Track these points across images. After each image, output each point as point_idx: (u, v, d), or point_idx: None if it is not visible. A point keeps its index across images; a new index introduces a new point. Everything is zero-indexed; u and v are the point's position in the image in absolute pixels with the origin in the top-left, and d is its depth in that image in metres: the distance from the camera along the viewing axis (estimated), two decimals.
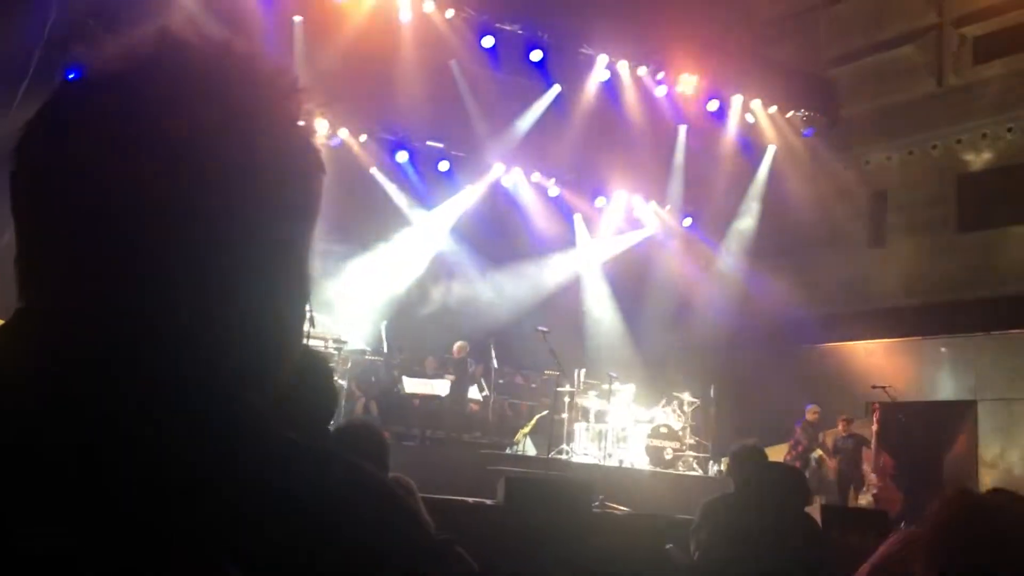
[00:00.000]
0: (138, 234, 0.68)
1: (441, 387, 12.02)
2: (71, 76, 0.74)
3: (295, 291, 0.76)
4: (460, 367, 12.43)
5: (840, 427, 12.46)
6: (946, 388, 14.54)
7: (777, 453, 11.69)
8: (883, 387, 12.06)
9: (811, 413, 12.66)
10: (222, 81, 0.73)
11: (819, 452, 12.41)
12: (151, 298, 0.69)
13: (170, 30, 0.74)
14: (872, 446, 11.70)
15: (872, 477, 11.64)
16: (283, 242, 0.74)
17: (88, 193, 0.69)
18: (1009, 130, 14.25)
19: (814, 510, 7.23)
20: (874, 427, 11.80)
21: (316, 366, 2.39)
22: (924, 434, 13.26)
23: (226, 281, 0.71)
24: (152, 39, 0.73)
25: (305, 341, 7.84)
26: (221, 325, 0.71)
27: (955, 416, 14.26)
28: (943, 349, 14.59)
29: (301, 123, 0.76)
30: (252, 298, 0.72)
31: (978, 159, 14.77)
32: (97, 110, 0.71)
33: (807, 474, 10.31)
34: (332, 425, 3.04)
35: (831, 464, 12.31)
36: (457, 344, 12.67)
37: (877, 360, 14.70)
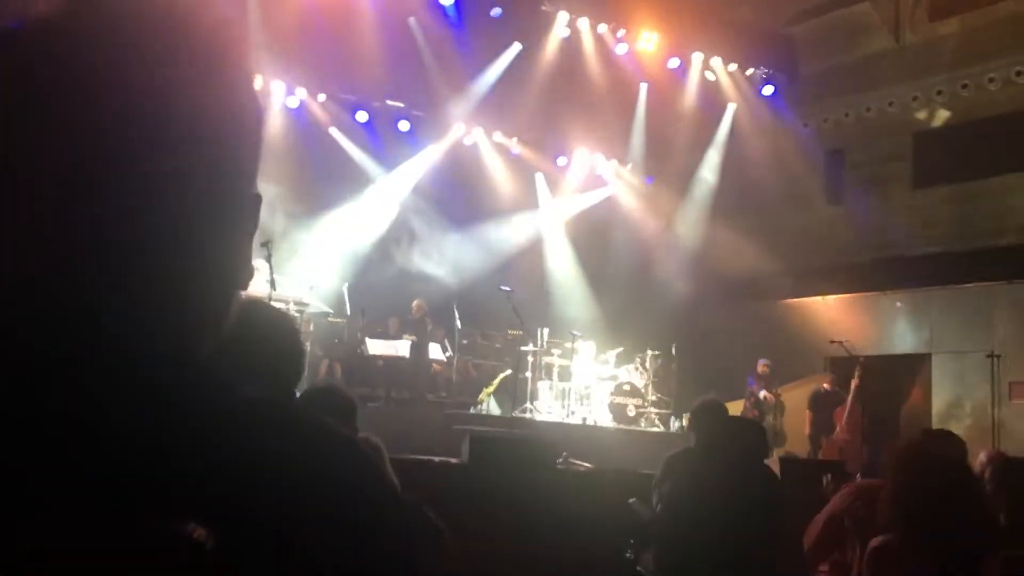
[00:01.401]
0: (82, 189, 0.67)
1: (404, 348, 12.02)
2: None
3: (238, 243, 0.75)
4: (419, 325, 12.42)
5: (827, 385, 12.66)
6: (902, 341, 14.84)
7: (737, 408, 11.88)
8: (841, 341, 12.27)
9: (762, 367, 12.89)
10: (165, 30, 0.71)
11: (764, 393, 12.65)
12: (96, 252, 0.67)
13: None
14: (849, 400, 11.97)
15: (839, 430, 11.93)
16: (224, 192, 0.73)
17: (24, 153, 0.67)
18: (964, 87, 14.39)
19: (773, 462, 7.38)
20: (855, 382, 12.04)
21: (283, 327, 2.36)
22: (882, 387, 13.53)
23: (172, 233, 0.70)
24: None
25: (268, 303, 7.76)
26: (169, 277, 0.70)
27: (911, 369, 14.59)
28: (899, 304, 14.86)
29: (245, 74, 0.75)
30: (197, 250, 0.71)
31: (934, 116, 14.93)
32: (32, 63, 0.68)
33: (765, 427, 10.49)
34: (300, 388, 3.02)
35: (806, 416, 12.52)
36: (415, 302, 12.65)
37: (836, 315, 14.95)
